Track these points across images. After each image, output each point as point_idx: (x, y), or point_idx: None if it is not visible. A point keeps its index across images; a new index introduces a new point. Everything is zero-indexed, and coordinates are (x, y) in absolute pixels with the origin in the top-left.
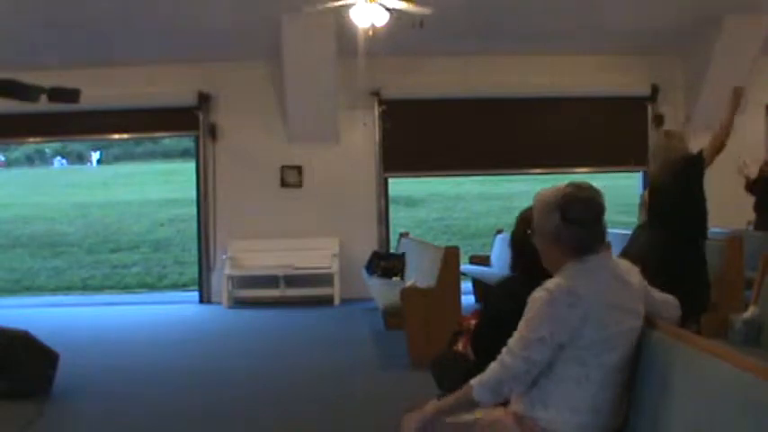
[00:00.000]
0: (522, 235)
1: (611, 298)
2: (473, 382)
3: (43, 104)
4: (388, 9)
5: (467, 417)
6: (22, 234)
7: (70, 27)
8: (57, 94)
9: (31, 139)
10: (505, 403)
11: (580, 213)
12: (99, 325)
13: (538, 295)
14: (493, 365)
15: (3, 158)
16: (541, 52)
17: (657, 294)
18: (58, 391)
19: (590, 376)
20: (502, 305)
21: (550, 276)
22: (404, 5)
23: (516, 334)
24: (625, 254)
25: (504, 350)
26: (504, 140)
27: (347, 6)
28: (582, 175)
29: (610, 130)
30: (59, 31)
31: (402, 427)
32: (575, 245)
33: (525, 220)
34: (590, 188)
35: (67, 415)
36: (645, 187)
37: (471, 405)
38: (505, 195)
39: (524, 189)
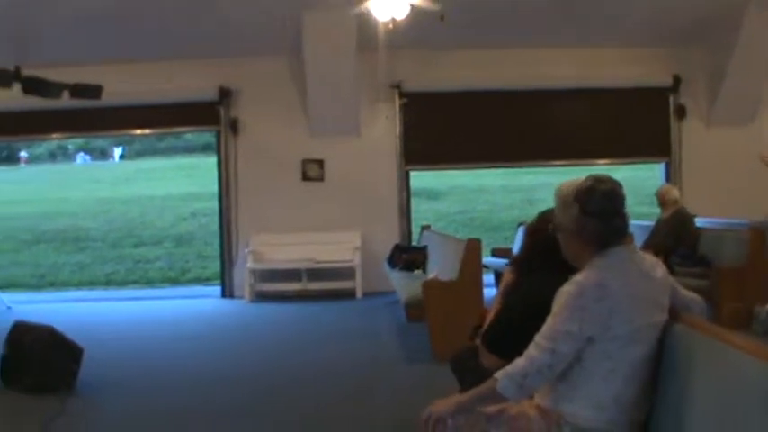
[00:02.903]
0: (534, 234)
1: (637, 291)
2: (498, 374)
3: (66, 101)
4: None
5: (491, 408)
6: (46, 230)
7: (92, 24)
8: (79, 90)
9: (54, 136)
10: (531, 397)
11: (599, 206)
12: (122, 319)
13: (566, 289)
14: (518, 359)
15: (26, 155)
16: (563, 44)
17: (683, 290)
18: (82, 385)
19: (616, 370)
20: (519, 302)
21: (564, 273)
22: None
23: (544, 327)
24: (647, 245)
25: (531, 344)
26: (525, 132)
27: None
28: (603, 167)
29: (631, 121)
30: (82, 27)
31: (424, 419)
32: (595, 238)
33: (538, 222)
34: (609, 180)
35: (91, 409)
36: (667, 179)
37: (496, 399)
38: (527, 187)
39: (546, 181)
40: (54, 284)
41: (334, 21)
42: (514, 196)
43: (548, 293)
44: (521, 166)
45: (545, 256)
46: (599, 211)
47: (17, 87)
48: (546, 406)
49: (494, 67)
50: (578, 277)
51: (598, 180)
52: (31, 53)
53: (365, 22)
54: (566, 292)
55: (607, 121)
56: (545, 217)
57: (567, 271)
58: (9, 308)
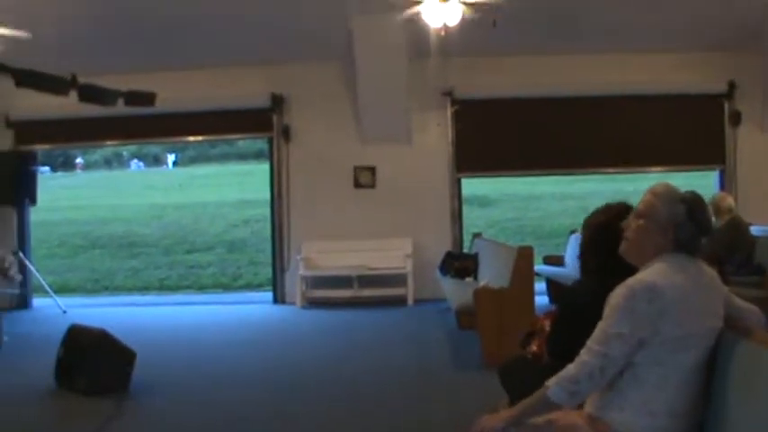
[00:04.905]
0: (592, 238)
1: (689, 296)
2: (549, 382)
3: (120, 108)
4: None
5: (540, 419)
6: (101, 235)
7: (147, 32)
8: (133, 97)
9: (109, 142)
10: (582, 406)
11: (705, 218)
12: (175, 324)
13: (618, 292)
14: (570, 365)
15: (82, 161)
16: (615, 50)
17: (740, 302)
18: (135, 388)
19: (668, 377)
20: (575, 307)
21: (623, 275)
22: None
23: (596, 331)
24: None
25: (583, 349)
26: (577, 139)
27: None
28: (657, 175)
29: (685, 128)
30: (135, 36)
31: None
32: (681, 241)
33: (591, 226)
34: (702, 198)
35: (144, 412)
36: (721, 186)
37: (548, 407)
38: (580, 195)
39: (599, 188)
40: (108, 289)
41: (384, 26)
42: (567, 203)
43: (592, 300)
44: (573, 174)
45: (598, 255)
46: (699, 221)
47: (73, 95)
48: (596, 415)
49: (545, 74)
50: (630, 280)
51: (698, 194)
52: (87, 61)
53: (417, 29)
54: (617, 295)
55: (660, 127)
56: (590, 222)
57: (618, 275)
58: (65, 312)
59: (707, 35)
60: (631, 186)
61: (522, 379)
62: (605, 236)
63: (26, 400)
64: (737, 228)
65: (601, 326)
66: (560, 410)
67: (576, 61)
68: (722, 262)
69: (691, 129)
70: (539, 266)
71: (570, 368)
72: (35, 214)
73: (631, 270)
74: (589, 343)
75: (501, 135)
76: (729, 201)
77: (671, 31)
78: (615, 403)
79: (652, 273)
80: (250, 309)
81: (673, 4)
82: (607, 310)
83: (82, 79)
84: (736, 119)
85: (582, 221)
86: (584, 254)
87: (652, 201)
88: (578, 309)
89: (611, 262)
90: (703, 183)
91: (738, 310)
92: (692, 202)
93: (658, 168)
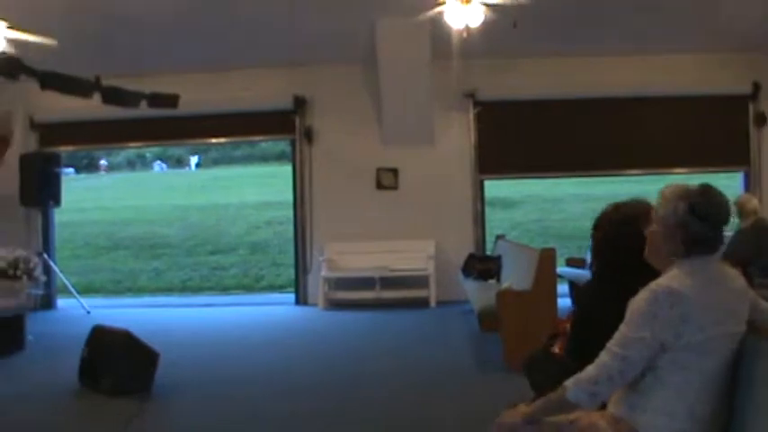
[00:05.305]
0: (604, 238)
1: (712, 300)
2: (568, 382)
3: (143, 110)
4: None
5: (562, 418)
6: (124, 236)
7: (169, 34)
8: (156, 99)
9: (132, 144)
10: (603, 407)
11: (708, 210)
12: (198, 325)
13: (641, 296)
14: (589, 366)
15: (106, 163)
16: (638, 51)
17: (765, 304)
18: (158, 389)
19: (690, 381)
20: (590, 307)
21: (637, 275)
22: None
23: (617, 333)
24: (725, 256)
25: (603, 350)
26: (600, 141)
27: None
28: (680, 176)
29: (709, 129)
30: (159, 38)
31: (495, 429)
32: (691, 240)
33: (598, 230)
34: (722, 194)
35: (167, 412)
36: (746, 188)
37: (566, 407)
38: (603, 197)
39: (622, 190)
40: (131, 290)
41: (407, 28)
42: (590, 205)
43: (598, 302)
44: (596, 175)
45: (602, 259)
46: (705, 215)
47: (97, 97)
48: (618, 415)
49: (568, 75)
50: (653, 284)
51: (712, 188)
52: (111, 63)
53: (439, 31)
54: (639, 299)
55: (684, 129)
56: (599, 223)
57: (624, 277)
58: (88, 312)
59: (731, 36)
60: (655, 188)
61: (547, 373)
62: (608, 243)
63: (50, 400)
64: (762, 229)
65: (622, 329)
66: (580, 410)
67: (599, 63)
68: (747, 264)
69: (715, 130)
70: (561, 268)
71: (590, 369)
72: (59, 215)
73: (638, 272)
74: (609, 345)
75: (524, 137)
76: (754, 202)
77: (694, 31)
78: (638, 405)
79: (672, 277)
80: (272, 310)
81: (696, 4)
82: (629, 314)
83: (105, 81)
84: (761, 120)
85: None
86: (593, 256)
87: (660, 203)
88: (585, 310)
89: (614, 266)
90: (728, 184)
91: (764, 314)
92: (694, 196)
93: (682, 170)
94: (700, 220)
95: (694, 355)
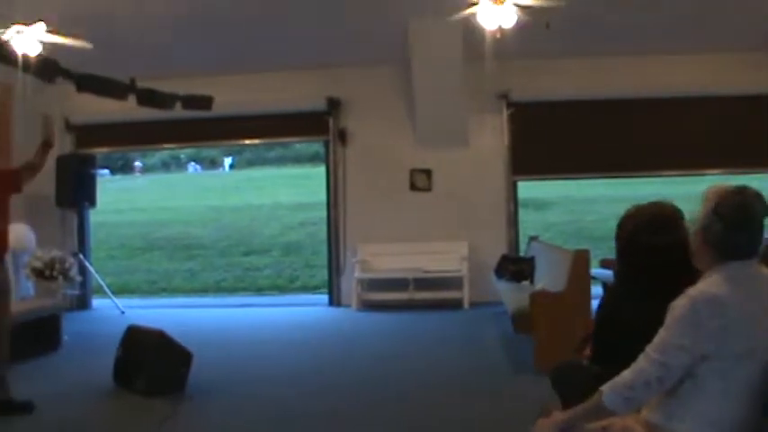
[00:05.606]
0: (627, 239)
1: (754, 308)
2: (604, 387)
3: (178, 112)
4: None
5: (596, 424)
6: (159, 237)
7: (204, 36)
8: (190, 101)
9: (167, 146)
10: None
11: (729, 211)
12: (231, 326)
13: (680, 302)
14: (626, 371)
15: (140, 164)
16: (671, 51)
17: None
18: (192, 389)
19: (731, 390)
20: (613, 308)
21: (661, 276)
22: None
23: (656, 338)
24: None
25: (641, 355)
26: (635, 142)
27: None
28: (716, 177)
29: (743, 129)
30: (193, 40)
31: None
32: (714, 242)
33: (625, 227)
34: (752, 195)
35: (200, 413)
36: None
37: (602, 412)
38: (636, 198)
39: (656, 191)
40: (166, 291)
41: (440, 29)
42: (623, 206)
43: (619, 305)
44: (630, 177)
45: (632, 262)
46: (725, 216)
47: (132, 99)
48: (655, 423)
49: (602, 76)
50: (692, 291)
51: (742, 189)
52: (146, 65)
53: (472, 32)
54: (679, 306)
55: (720, 129)
56: (621, 222)
57: (653, 284)
58: (123, 313)
59: (765, 34)
60: (688, 189)
61: (574, 383)
62: (631, 244)
63: (85, 399)
64: None
65: (662, 334)
66: (614, 416)
67: (633, 63)
68: None
69: (750, 130)
70: (595, 270)
71: (626, 374)
72: (95, 216)
73: (662, 273)
74: (648, 350)
75: (557, 138)
76: None
77: (730, 30)
78: (677, 414)
79: (710, 283)
80: (306, 311)
81: (732, 3)
82: (669, 319)
83: (140, 83)
84: None
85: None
86: (616, 257)
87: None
88: (608, 311)
89: (638, 267)
90: (765, 185)
91: None
92: (720, 198)
93: (716, 171)
94: (720, 221)
95: (735, 364)
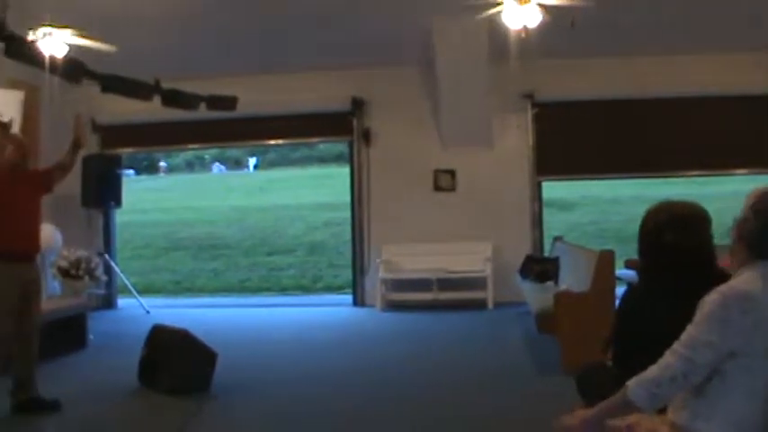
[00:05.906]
0: (650, 237)
1: None
2: (630, 382)
3: (202, 112)
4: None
5: (621, 422)
6: (184, 237)
7: (228, 37)
8: (215, 101)
9: (191, 146)
10: (663, 411)
11: (764, 207)
12: (255, 326)
13: (711, 298)
14: (653, 366)
15: (165, 164)
16: (698, 50)
17: None
18: (217, 388)
19: (757, 388)
20: (635, 307)
21: (685, 275)
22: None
23: (684, 335)
24: None
25: (668, 351)
26: (660, 142)
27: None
28: (740, 177)
29: None
30: (217, 41)
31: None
32: (753, 243)
33: (647, 225)
34: None
35: (225, 412)
36: None
37: (627, 407)
38: (662, 198)
39: (682, 192)
40: (190, 290)
41: (464, 29)
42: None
43: (636, 303)
44: (656, 177)
45: (655, 260)
46: (761, 215)
47: (157, 100)
48: (681, 423)
49: (627, 75)
50: (723, 287)
51: None
52: (171, 66)
53: (496, 31)
54: (709, 302)
55: (747, 129)
56: (652, 210)
57: (676, 282)
58: (148, 312)
59: None
60: (713, 189)
61: (599, 386)
62: (654, 242)
63: (111, 398)
64: None
65: (690, 330)
66: (639, 413)
67: (658, 62)
68: None
69: None
70: (620, 271)
71: (653, 369)
72: (120, 216)
73: (685, 271)
74: (675, 346)
75: (581, 138)
76: None
77: (758, 29)
78: (703, 413)
79: (743, 281)
80: (330, 311)
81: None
82: (698, 315)
83: (165, 84)
84: None
85: None
86: (639, 256)
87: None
88: (630, 309)
89: (660, 265)
90: None
91: None
92: (759, 196)
93: (742, 171)
94: (754, 218)
95: (762, 361)
